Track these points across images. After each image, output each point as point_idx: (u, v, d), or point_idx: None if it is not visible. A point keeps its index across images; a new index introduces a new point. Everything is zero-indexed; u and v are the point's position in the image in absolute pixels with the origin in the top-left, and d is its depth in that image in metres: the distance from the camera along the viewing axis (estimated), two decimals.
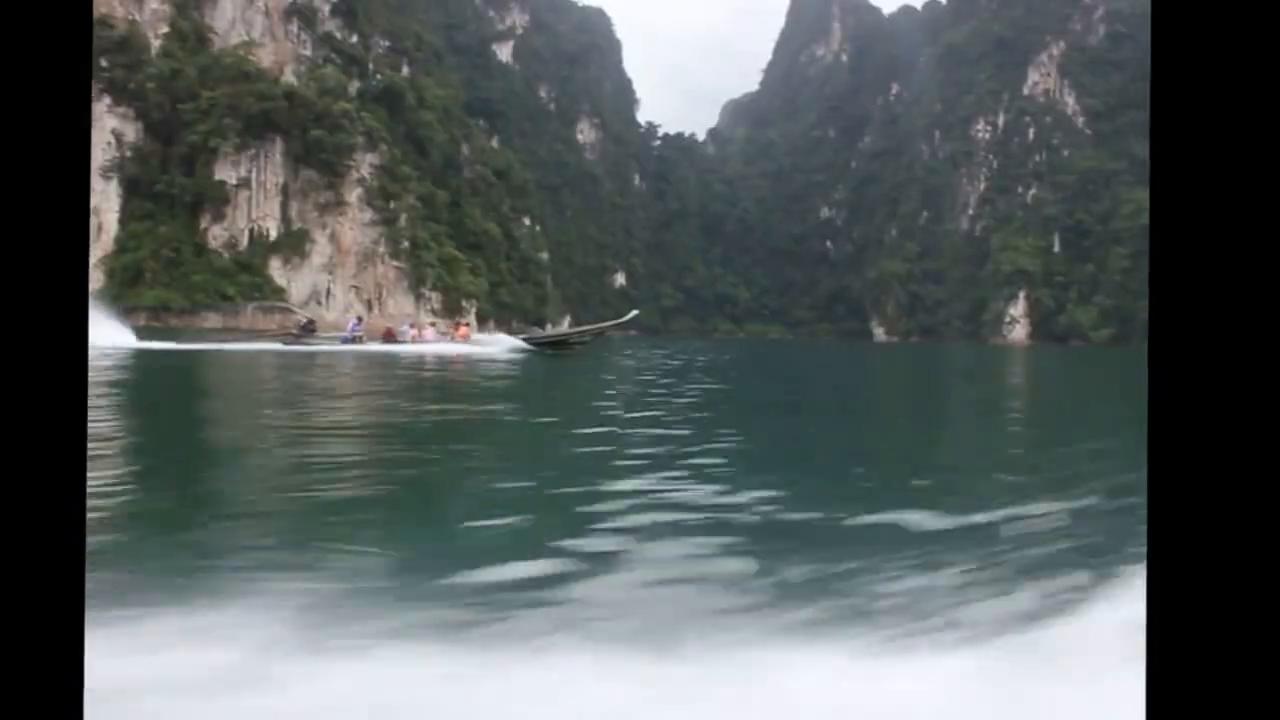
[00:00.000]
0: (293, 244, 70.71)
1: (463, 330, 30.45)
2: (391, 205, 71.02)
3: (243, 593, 2.91)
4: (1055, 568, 3.53)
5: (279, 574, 3.24)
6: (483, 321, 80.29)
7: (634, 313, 36.68)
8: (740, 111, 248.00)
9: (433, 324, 32.52)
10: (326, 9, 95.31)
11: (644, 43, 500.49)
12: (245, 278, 68.30)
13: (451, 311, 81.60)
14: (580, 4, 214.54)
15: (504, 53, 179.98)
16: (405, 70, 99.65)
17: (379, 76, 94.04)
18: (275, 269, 70.19)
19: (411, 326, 30.49)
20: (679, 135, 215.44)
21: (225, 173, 70.61)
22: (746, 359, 34.37)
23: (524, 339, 28.46)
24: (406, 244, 75.02)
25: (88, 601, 1.03)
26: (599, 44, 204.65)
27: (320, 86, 69.71)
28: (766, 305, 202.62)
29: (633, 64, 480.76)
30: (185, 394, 13.03)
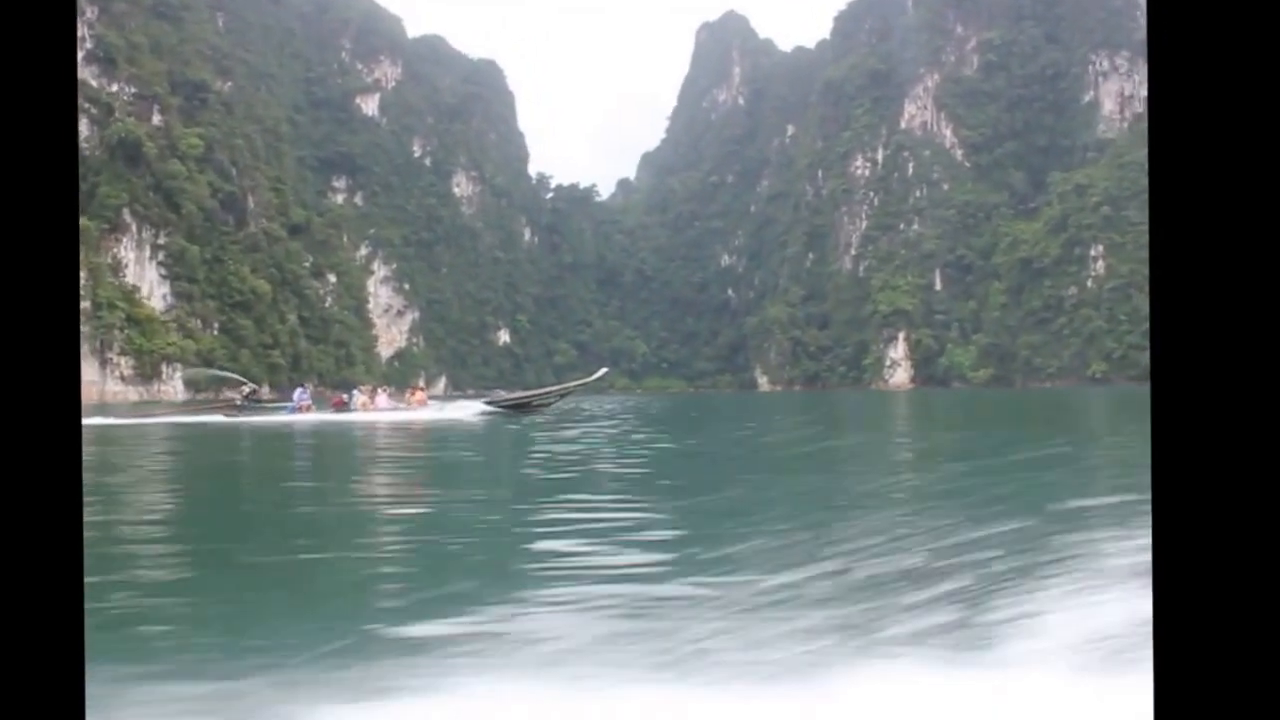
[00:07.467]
0: None
1: (419, 395, 30.26)
2: None
3: None
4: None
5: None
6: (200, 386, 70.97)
7: (603, 370, 37.16)
8: (648, 161, 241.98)
9: (384, 390, 31.94)
10: (79, 55, 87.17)
11: (566, 95, 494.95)
12: None
13: (147, 379, 72.01)
14: (473, 57, 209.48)
15: (370, 106, 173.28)
16: (156, 119, 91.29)
17: (120, 124, 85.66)
18: None
19: (360, 393, 29.46)
20: (573, 186, 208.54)
21: None
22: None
23: (487, 402, 28.94)
24: (86, 304, 65.95)
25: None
26: (485, 96, 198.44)
27: None
28: (666, 358, 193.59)
29: (551, 117, 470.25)
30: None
